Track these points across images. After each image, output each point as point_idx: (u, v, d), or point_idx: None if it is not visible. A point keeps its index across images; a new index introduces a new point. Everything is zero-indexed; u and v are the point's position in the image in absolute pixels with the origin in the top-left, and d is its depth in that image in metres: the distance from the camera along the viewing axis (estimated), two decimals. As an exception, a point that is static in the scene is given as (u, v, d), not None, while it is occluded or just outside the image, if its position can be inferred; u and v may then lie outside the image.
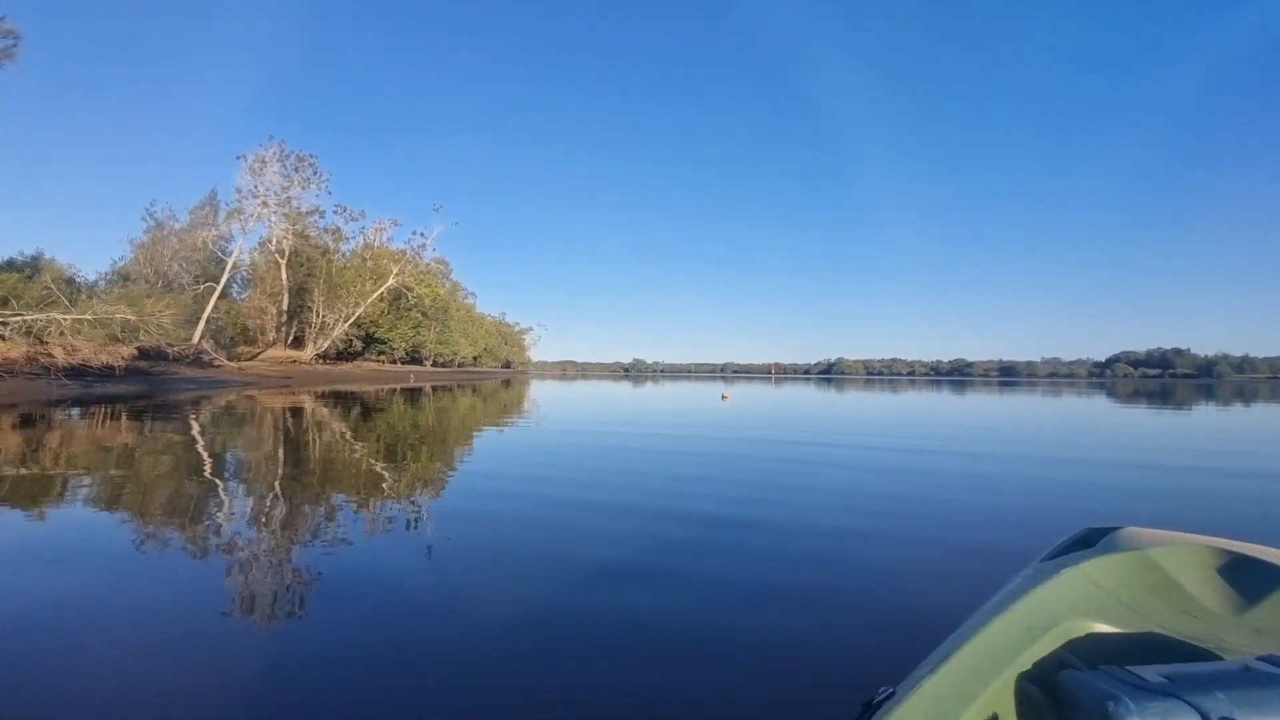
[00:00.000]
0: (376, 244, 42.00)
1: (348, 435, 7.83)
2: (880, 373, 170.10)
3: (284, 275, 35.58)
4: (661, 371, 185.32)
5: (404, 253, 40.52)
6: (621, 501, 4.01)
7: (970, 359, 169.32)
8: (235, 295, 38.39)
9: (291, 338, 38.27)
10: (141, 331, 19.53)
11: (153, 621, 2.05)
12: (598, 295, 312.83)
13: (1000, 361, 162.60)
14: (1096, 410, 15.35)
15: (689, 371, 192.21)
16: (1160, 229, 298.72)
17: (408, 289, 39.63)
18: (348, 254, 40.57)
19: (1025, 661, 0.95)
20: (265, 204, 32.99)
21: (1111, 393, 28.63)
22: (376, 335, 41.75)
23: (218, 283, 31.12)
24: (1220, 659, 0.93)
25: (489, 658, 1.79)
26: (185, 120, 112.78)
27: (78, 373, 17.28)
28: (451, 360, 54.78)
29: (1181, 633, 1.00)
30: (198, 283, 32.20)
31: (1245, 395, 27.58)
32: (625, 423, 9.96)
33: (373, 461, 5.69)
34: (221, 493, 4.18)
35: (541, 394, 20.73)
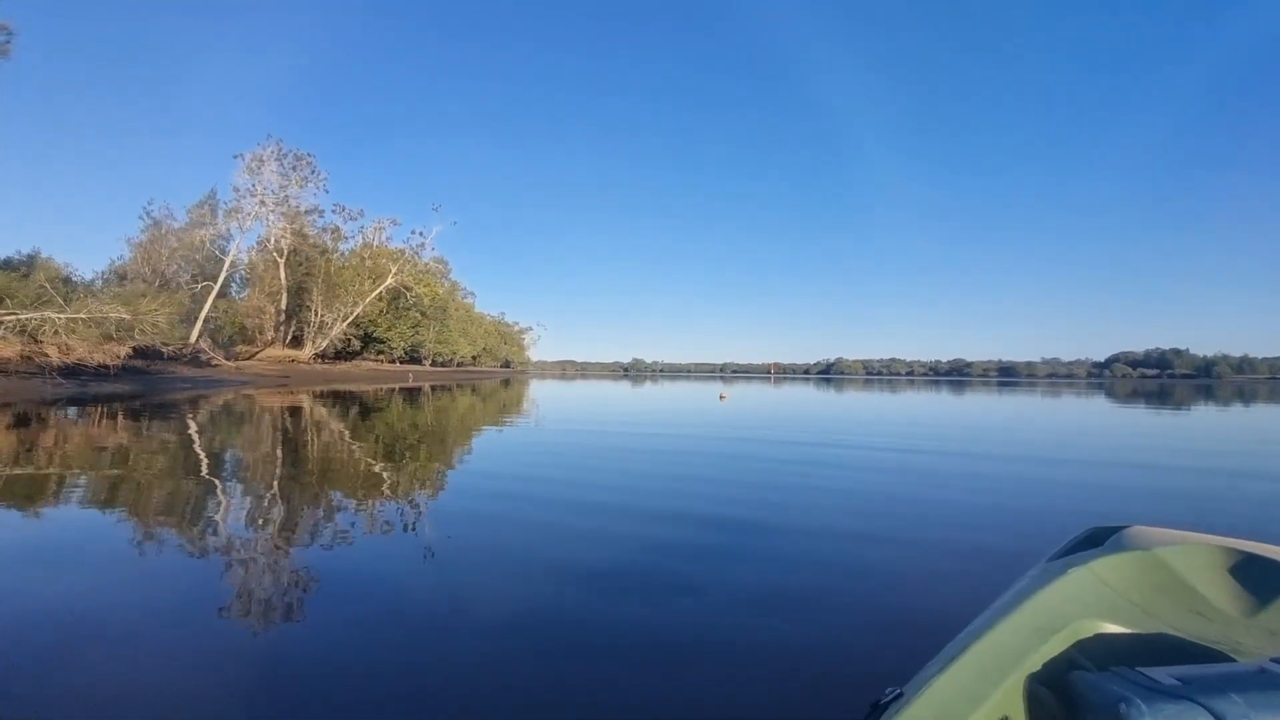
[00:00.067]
0: (375, 243, 41.94)
1: (345, 435, 7.81)
2: (879, 373, 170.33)
3: (282, 274, 35.52)
4: (661, 371, 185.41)
5: (403, 252, 40.49)
6: (621, 502, 3.99)
7: (969, 359, 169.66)
8: (234, 295, 38.36)
9: (290, 337, 38.22)
10: (137, 330, 19.48)
11: (152, 621, 2.04)
12: (598, 295, 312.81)
13: (999, 362, 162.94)
14: (1095, 410, 15.36)
15: (688, 371, 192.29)
16: (1160, 229, 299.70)
17: (406, 288, 39.58)
18: (346, 253, 40.52)
19: (1035, 662, 0.93)
20: (263, 203, 32.96)
21: (1110, 393, 28.67)
22: (375, 335, 41.69)
23: (216, 282, 31.07)
24: (1233, 661, 0.91)
25: (489, 658, 1.78)
26: (186, 121, 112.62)
27: (73, 372, 17.25)
28: (450, 360, 54.75)
29: (1193, 634, 0.98)
30: (196, 282, 32.14)
31: (1245, 396, 27.65)
32: (624, 422, 9.94)
33: (371, 461, 5.67)
34: (218, 493, 4.16)
35: (541, 394, 20.71)
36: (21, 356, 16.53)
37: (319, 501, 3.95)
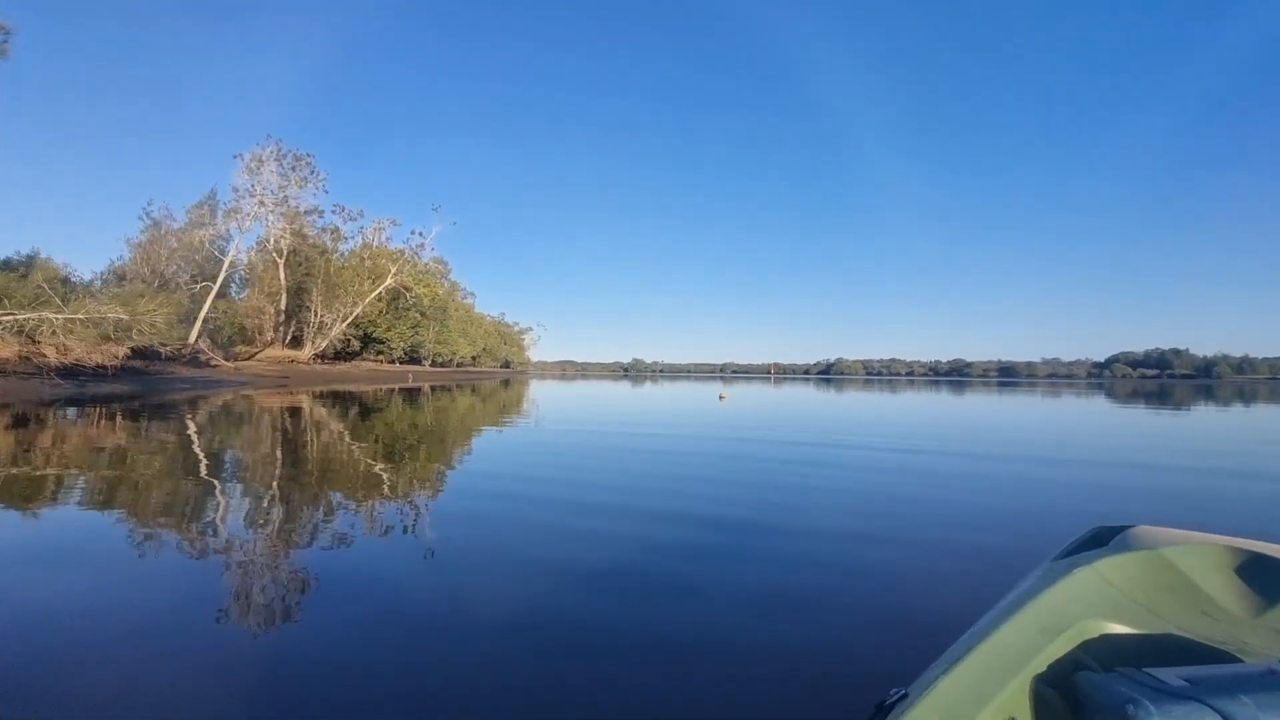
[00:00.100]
0: (375, 244, 41.92)
1: (345, 435, 7.80)
2: (879, 373, 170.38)
3: (282, 275, 35.50)
4: (661, 371, 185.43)
5: (402, 252, 40.47)
6: (621, 502, 3.98)
7: (969, 359, 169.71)
8: (233, 295, 38.34)
9: (289, 337, 38.20)
10: (134, 331, 19.47)
11: (151, 621, 2.03)
12: (598, 295, 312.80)
13: (999, 362, 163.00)
14: (1095, 411, 15.36)
15: (688, 371, 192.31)
16: (1160, 229, 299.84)
17: (406, 289, 39.56)
18: (346, 254, 40.51)
19: (1040, 663, 0.92)
20: (262, 203, 32.94)
21: (1110, 393, 28.69)
22: (375, 335, 41.66)
23: (215, 282, 31.04)
24: (1240, 661, 0.90)
25: (488, 658, 1.77)
26: (186, 121, 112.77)
27: (71, 372, 17.24)
28: (450, 360, 54.72)
29: (1200, 634, 0.97)
30: (195, 282, 32.12)
31: (1245, 396, 27.66)
32: (624, 423, 9.93)
33: (371, 462, 5.66)
34: (217, 493, 4.15)
35: (540, 394, 20.70)
36: (19, 357, 16.51)
37: (318, 502, 3.94)
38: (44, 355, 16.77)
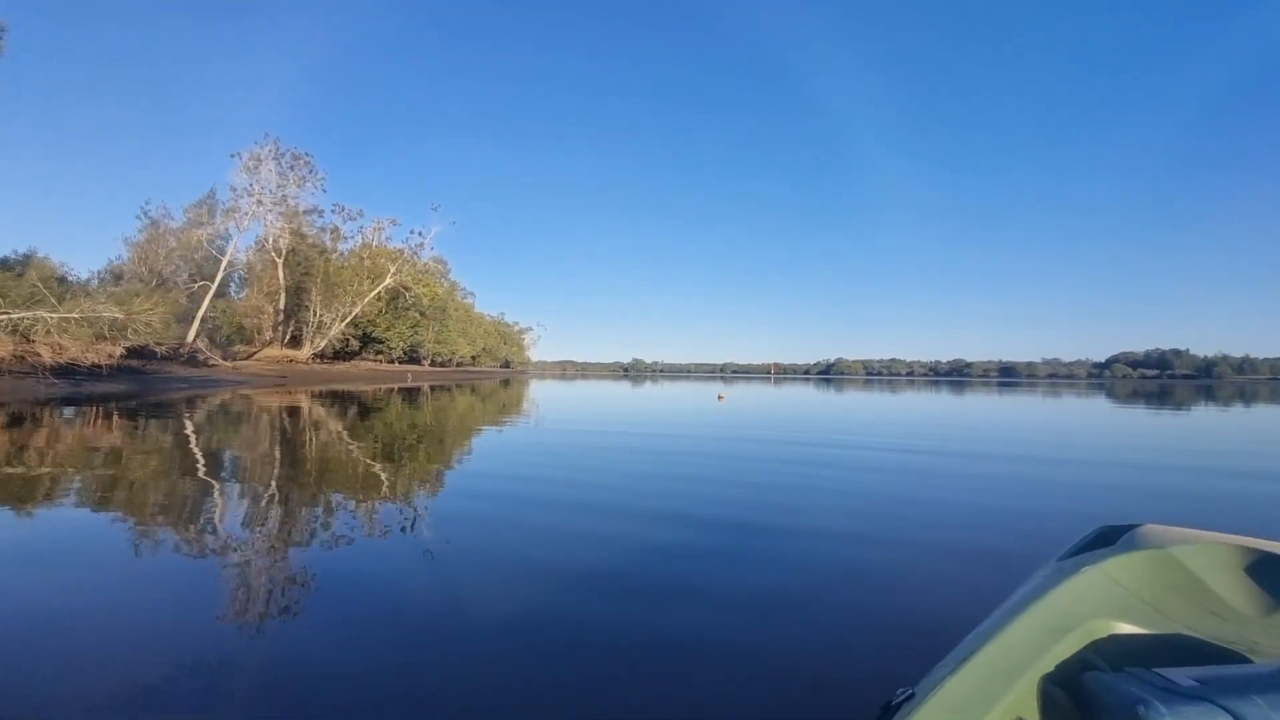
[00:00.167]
0: (375, 243, 41.87)
1: (344, 435, 7.78)
2: (879, 373, 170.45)
3: (281, 274, 35.45)
4: (661, 371, 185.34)
5: (402, 252, 40.42)
6: (621, 503, 3.97)
7: (969, 359, 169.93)
8: (232, 294, 38.27)
9: (288, 337, 38.14)
10: (130, 330, 19.41)
11: (150, 621, 2.02)
12: (598, 295, 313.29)
13: (1000, 362, 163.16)
14: (1096, 411, 15.37)
15: (688, 371, 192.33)
16: (1160, 230, 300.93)
17: (405, 288, 39.52)
18: (345, 253, 40.46)
19: (1048, 663, 0.91)
20: (260, 202, 32.89)
21: (1110, 393, 28.71)
22: (374, 335, 41.62)
23: (213, 282, 30.97)
24: (1250, 661, 0.89)
25: (488, 659, 1.77)
26: (185, 121, 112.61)
27: (67, 372, 17.19)
28: (450, 360, 54.68)
29: (1209, 634, 0.96)
30: (193, 282, 32.05)
31: (1245, 396, 27.69)
32: (624, 423, 9.92)
33: (370, 462, 5.64)
34: (215, 493, 4.13)
35: (540, 394, 20.68)
36: (14, 356, 16.46)
37: (317, 502, 3.92)
38: (39, 354, 16.72)
